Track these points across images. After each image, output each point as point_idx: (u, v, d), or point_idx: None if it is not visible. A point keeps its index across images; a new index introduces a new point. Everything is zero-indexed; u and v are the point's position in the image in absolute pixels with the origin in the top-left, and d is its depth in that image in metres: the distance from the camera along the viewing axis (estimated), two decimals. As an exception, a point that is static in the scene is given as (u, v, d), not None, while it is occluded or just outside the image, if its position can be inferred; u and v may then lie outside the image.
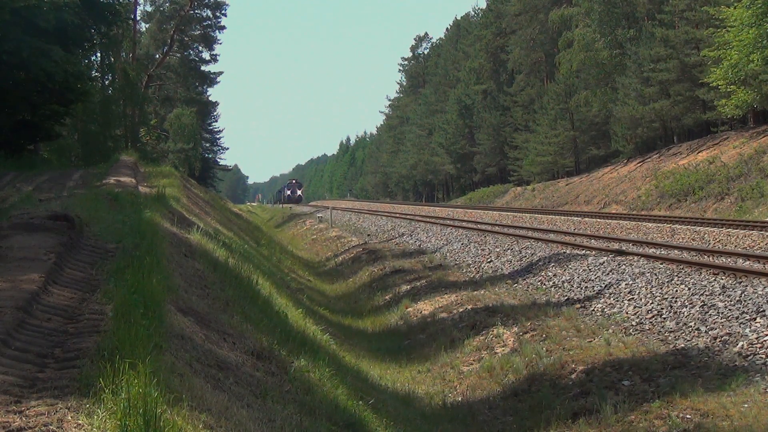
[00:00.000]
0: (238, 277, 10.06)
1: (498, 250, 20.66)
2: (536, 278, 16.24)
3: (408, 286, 18.25)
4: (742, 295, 11.05)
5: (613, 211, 33.84)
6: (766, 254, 14.24)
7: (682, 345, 10.00)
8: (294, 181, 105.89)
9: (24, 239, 6.92)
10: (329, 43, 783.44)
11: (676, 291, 12.20)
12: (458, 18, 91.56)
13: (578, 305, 13.23)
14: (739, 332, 9.77)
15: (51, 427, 3.33)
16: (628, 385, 8.87)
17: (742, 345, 9.36)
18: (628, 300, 12.66)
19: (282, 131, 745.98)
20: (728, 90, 32.76)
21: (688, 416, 7.63)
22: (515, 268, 17.92)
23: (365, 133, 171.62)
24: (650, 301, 12.17)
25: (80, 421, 3.42)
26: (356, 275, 22.28)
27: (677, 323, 10.90)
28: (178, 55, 55.88)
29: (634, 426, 7.76)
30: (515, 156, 61.95)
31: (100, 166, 21.46)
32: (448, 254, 22.47)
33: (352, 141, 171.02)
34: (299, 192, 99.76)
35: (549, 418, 8.57)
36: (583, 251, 17.56)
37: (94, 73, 34.69)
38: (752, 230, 18.67)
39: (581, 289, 14.31)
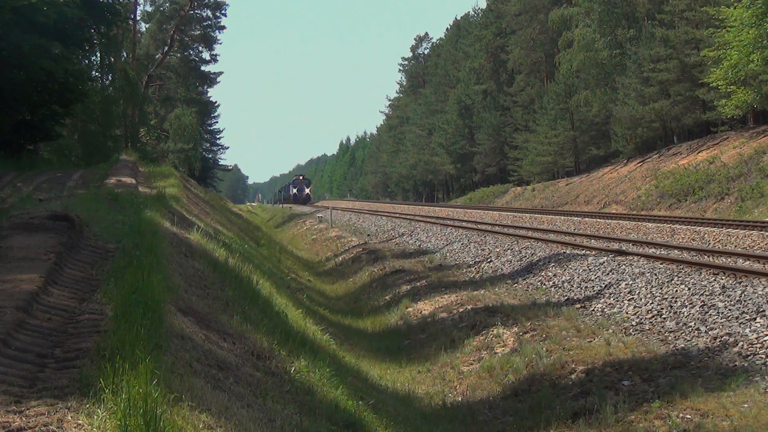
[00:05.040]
0: (238, 277, 10.05)
1: (498, 250, 20.66)
2: (536, 278, 16.24)
3: (408, 286, 18.25)
4: (742, 295, 11.05)
5: (613, 211, 33.83)
6: (766, 254, 14.24)
7: (682, 345, 10.00)
8: (301, 178, 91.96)
9: (24, 239, 6.92)
10: (329, 43, 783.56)
11: (676, 291, 12.20)
12: (458, 18, 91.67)
13: (578, 305, 13.22)
14: (739, 332, 9.77)
15: (51, 427, 3.33)
16: (628, 385, 8.87)
17: (742, 345, 9.36)
18: (628, 300, 12.66)
19: (282, 131, 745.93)
20: (728, 90, 32.76)
21: (688, 416, 7.63)
22: (515, 268, 17.91)
23: (365, 133, 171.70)
24: (650, 301, 12.16)
25: (80, 421, 3.42)
26: (356, 275, 22.28)
27: (677, 323, 10.90)
28: (178, 55, 55.90)
29: (634, 426, 7.76)
30: (515, 156, 61.96)
31: (100, 166, 21.48)
32: (448, 254, 22.47)
33: (352, 141, 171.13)
34: (307, 190, 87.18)
35: (549, 418, 8.57)
36: (583, 251, 17.56)
37: (94, 73, 34.75)
38: (752, 230, 18.66)
39: (581, 289, 14.30)
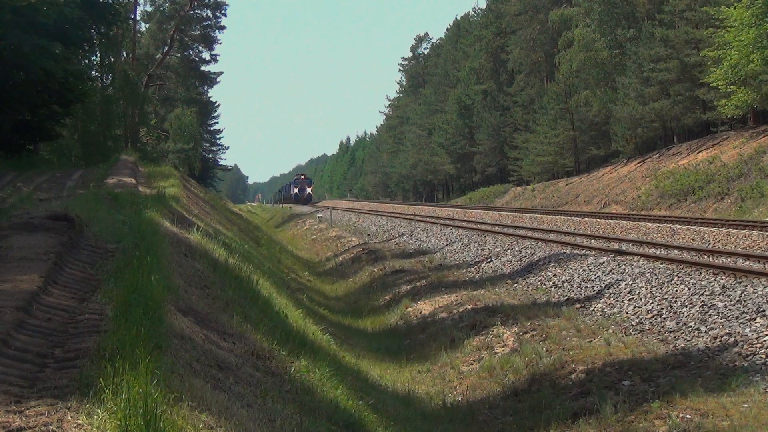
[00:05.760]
0: (238, 277, 10.05)
1: (498, 250, 20.66)
2: (536, 278, 16.24)
3: (408, 286, 18.25)
4: (742, 295, 11.05)
5: (613, 211, 33.83)
6: (766, 254, 14.24)
7: (682, 345, 10.00)
8: (302, 177, 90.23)
9: (24, 239, 6.92)
10: (329, 43, 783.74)
11: (676, 291, 12.19)
12: (458, 18, 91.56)
13: (578, 305, 13.22)
14: (739, 332, 9.77)
15: (51, 427, 3.33)
16: (628, 385, 8.87)
17: (742, 345, 9.36)
18: (628, 300, 12.66)
19: (282, 131, 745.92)
20: (728, 90, 32.76)
21: (688, 416, 7.62)
22: (515, 268, 17.91)
23: (365, 133, 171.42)
24: (650, 301, 12.16)
25: (80, 421, 3.42)
26: (356, 275, 22.28)
27: (677, 323, 10.90)
28: (178, 55, 55.82)
29: (634, 426, 7.76)
30: (515, 156, 61.95)
31: (100, 166, 21.47)
32: (448, 254, 22.47)
33: (352, 141, 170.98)
34: (309, 190, 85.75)
35: (549, 418, 8.57)
36: (583, 251, 17.56)
37: (94, 73, 34.69)
38: (752, 230, 18.66)
39: (581, 289, 14.30)
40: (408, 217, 38.02)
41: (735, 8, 30.90)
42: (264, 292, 10.76)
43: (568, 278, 15.29)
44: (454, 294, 15.72)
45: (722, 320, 10.36)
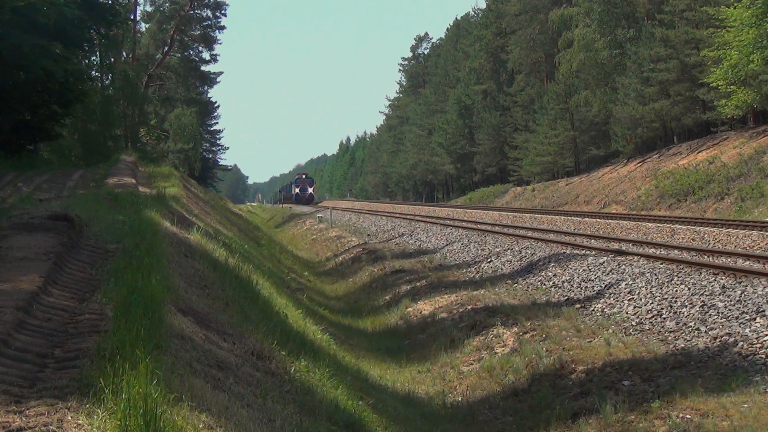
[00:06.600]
0: (238, 277, 10.06)
1: (498, 250, 20.66)
2: (536, 278, 16.24)
3: (408, 286, 18.25)
4: (742, 295, 11.05)
5: (613, 211, 33.83)
6: (766, 254, 14.24)
7: (682, 345, 10.00)
8: (304, 176, 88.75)
9: (24, 239, 6.92)
10: (329, 43, 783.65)
11: (676, 291, 12.20)
12: (458, 18, 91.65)
13: (578, 305, 13.22)
14: (739, 332, 9.77)
15: (51, 427, 3.33)
16: (628, 385, 8.87)
17: (742, 345, 9.36)
18: (628, 300, 12.66)
19: (282, 131, 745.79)
20: (728, 90, 32.76)
21: (688, 416, 7.62)
22: (515, 268, 17.91)
23: (365, 133, 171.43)
24: (650, 301, 12.16)
25: (80, 421, 3.42)
26: (356, 275, 22.28)
27: (677, 323, 10.90)
28: (178, 55, 55.85)
29: (634, 426, 7.76)
30: (515, 156, 61.96)
31: (100, 166, 21.48)
32: (448, 254, 22.47)
33: (352, 141, 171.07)
34: (310, 190, 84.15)
35: (549, 418, 8.57)
36: (583, 251, 17.56)
37: (94, 73, 34.73)
38: (752, 230, 18.66)
39: (581, 289, 14.30)
40: (408, 217, 38.04)
41: (735, 8, 30.90)
42: (264, 292, 10.77)
43: (568, 278, 15.29)
44: (454, 294, 15.72)
45: (722, 320, 10.36)
